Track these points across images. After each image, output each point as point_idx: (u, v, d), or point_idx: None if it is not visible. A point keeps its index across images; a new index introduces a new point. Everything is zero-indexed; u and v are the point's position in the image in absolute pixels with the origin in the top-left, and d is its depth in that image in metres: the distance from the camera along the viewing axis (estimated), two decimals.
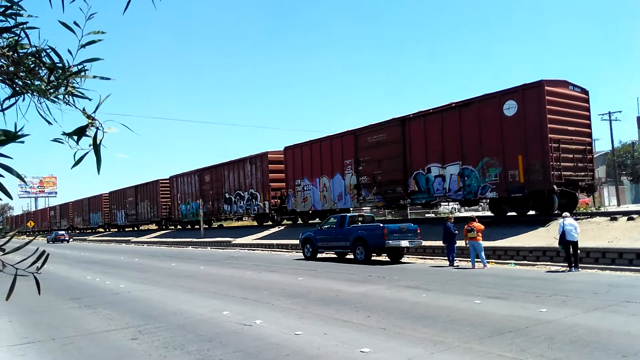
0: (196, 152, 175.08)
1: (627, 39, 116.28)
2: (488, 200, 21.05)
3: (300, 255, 20.59)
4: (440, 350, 6.03)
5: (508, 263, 15.61)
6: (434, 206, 24.55)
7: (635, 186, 50.32)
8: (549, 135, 17.33)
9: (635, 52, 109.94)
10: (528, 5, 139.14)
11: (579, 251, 13.52)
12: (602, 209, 24.79)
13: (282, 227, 30.86)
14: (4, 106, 1.78)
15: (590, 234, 15.41)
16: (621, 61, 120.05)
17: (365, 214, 21.00)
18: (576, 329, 6.80)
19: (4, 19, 1.73)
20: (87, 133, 1.77)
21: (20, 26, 1.73)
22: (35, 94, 1.76)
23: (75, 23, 1.77)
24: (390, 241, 16.41)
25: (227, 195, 34.76)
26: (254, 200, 32.33)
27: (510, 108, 18.28)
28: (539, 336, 6.48)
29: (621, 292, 9.63)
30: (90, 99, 1.83)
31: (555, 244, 14.33)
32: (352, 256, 18.02)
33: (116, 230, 56.48)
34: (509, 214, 19.89)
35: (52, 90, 1.74)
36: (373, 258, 17.63)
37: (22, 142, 1.67)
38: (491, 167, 18.96)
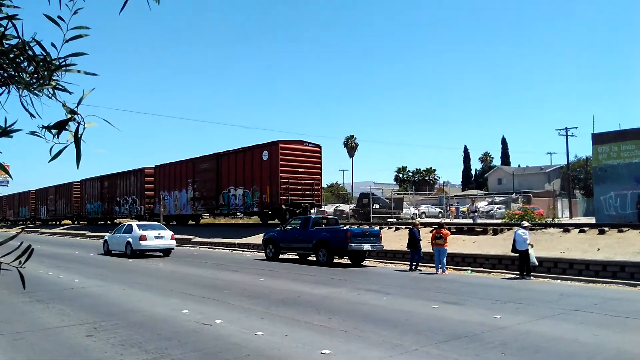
0: (173, 147, 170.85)
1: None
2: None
3: (262, 255, 20.51)
4: (399, 353, 6.15)
5: (465, 270, 16.02)
6: (232, 216, 36.31)
7: (587, 200, 52.56)
8: (280, 175, 27.19)
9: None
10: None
11: (534, 259, 14.02)
12: (556, 221, 25.80)
13: None
14: None
15: (544, 244, 16.01)
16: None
17: (329, 216, 21.13)
18: (528, 336, 7.07)
19: None
20: (66, 127, 1.74)
21: (11, 18, 1.67)
22: (19, 86, 1.71)
23: (59, 17, 1.74)
24: (352, 244, 16.56)
25: (118, 199, 43.41)
26: (134, 204, 41.00)
27: (265, 155, 28.26)
28: (493, 342, 6.70)
29: (571, 301, 10.06)
30: (71, 93, 1.80)
31: (511, 252, 14.85)
32: (314, 258, 18.08)
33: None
34: (270, 221, 29.69)
35: (36, 84, 1.69)
36: (335, 260, 17.73)
37: (11, 137, 1.63)
38: (256, 191, 28.86)
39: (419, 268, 16.07)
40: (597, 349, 6.44)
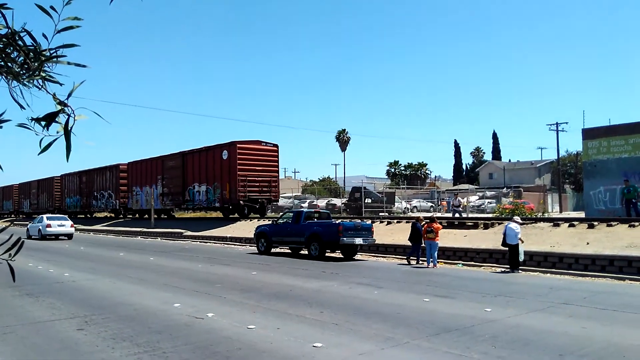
0: (166, 141, 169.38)
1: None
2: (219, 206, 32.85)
3: (254, 249, 20.49)
4: (391, 346, 6.18)
5: (456, 263, 16.11)
6: (197, 210, 37.61)
7: (577, 194, 53.00)
8: (238, 173, 29.40)
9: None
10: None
11: (522, 254, 14.12)
12: (546, 215, 26.01)
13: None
14: None
15: (535, 238, 16.13)
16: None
17: (321, 210, 21.15)
18: (518, 329, 7.14)
19: None
20: (56, 119, 1.71)
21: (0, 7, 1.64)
22: (8, 77, 1.68)
23: (52, 7, 1.70)
24: (344, 238, 16.59)
25: (95, 194, 45.96)
26: (110, 199, 43.58)
27: (225, 154, 30.38)
28: (483, 334, 6.75)
29: (560, 294, 10.15)
30: (61, 84, 1.77)
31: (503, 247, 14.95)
32: (306, 252, 18.09)
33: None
34: (231, 216, 31.90)
35: (25, 75, 1.66)
36: (327, 254, 17.77)
37: (1, 127, 1.60)
38: (217, 188, 30.98)
39: (411, 262, 16.13)
40: (586, 342, 6.51)
